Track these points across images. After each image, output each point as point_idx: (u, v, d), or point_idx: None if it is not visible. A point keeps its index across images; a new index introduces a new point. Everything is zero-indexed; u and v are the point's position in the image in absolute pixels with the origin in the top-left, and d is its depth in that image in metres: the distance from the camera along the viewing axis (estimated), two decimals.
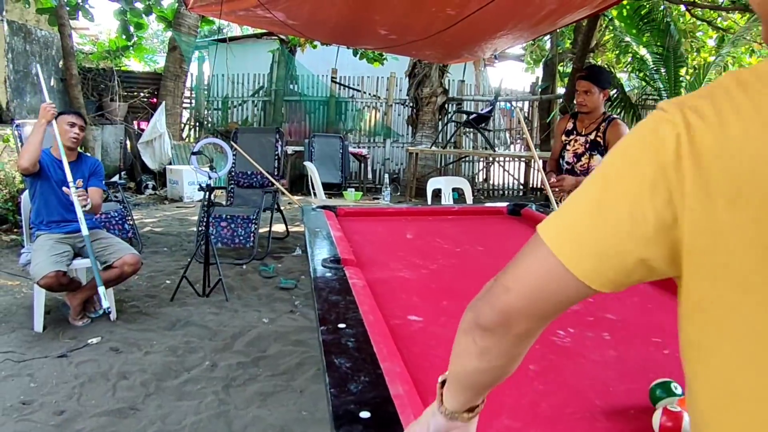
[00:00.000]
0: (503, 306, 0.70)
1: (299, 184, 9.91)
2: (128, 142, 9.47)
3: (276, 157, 6.22)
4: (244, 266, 5.30)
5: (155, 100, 10.20)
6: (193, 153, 4.39)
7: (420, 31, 5.61)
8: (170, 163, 9.27)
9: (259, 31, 10.78)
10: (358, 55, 10.07)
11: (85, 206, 3.48)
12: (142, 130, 9.65)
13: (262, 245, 5.66)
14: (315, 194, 6.11)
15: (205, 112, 10.89)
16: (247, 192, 6.17)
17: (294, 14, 5.41)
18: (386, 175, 6.21)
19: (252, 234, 5.39)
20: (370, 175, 10.76)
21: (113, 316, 3.90)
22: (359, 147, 10.77)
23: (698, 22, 9.74)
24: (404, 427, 0.95)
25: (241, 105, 10.92)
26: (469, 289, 1.92)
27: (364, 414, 0.99)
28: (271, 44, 11.16)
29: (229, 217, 5.44)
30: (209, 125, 10.75)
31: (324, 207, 3.18)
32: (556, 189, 3.41)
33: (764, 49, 10.12)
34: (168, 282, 4.81)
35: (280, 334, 3.85)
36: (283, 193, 5.39)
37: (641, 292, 1.92)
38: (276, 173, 6.12)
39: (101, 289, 3.39)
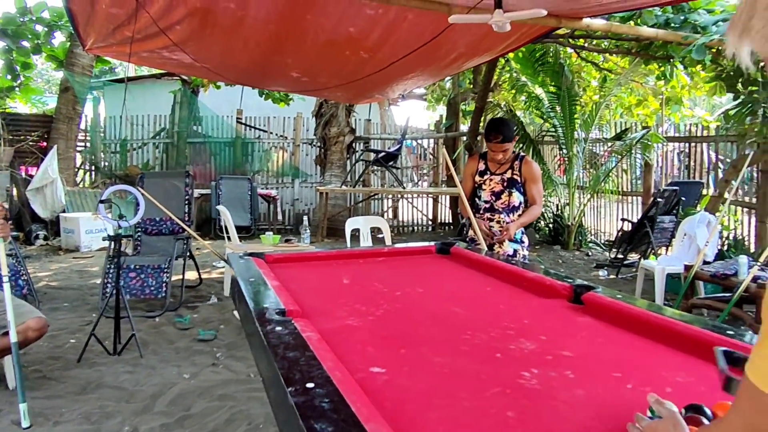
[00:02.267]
0: None
1: (206, 227, 9.58)
2: (15, 190, 8.77)
3: (186, 202, 5.97)
4: (157, 319, 5.01)
5: (45, 143, 9.55)
6: (101, 201, 4.12)
7: (332, 74, 5.65)
8: (64, 211, 8.67)
9: (159, 71, 10.44)
10: (263, 96, 9.99)
11: None
12: (31, 176, 8.99)
13: (175, 295, 5.38)
14: (229, 238, 5.90)
15: (102, 156, 10.33)
16: (155, 239, 5.87)
17: (204, 56, 5.29)
18: (305, 217, 6.11)
19: (164, 284, 5.11)
20: (280, 217, 10.60)
21: (11, 383, 3.52)
22: (268, 188, 10.61)
23: (583, 63, 10.50)
24: None
25: (141, 148, 10.48)
26: (422, 335, 1.89)
27: None
28: (171, 84, 10.85)
29: (138, 267, 5.13)
30: (106, 169, 10.19)
31: (251, 254, 3.06)
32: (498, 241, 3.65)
33: (642, 88, 11.07)
34: (73, 341, 4.44)
35: (203, 390, 3.64)
36: (195, 239, 5.16)
37: (588, 326, 1.98)
38: (186, 218, 5.87)
39: None
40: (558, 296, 2.30)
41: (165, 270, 5.16)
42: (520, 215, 3.70)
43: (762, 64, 0.78)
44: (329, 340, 1.74)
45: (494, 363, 1.65)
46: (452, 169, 3.74)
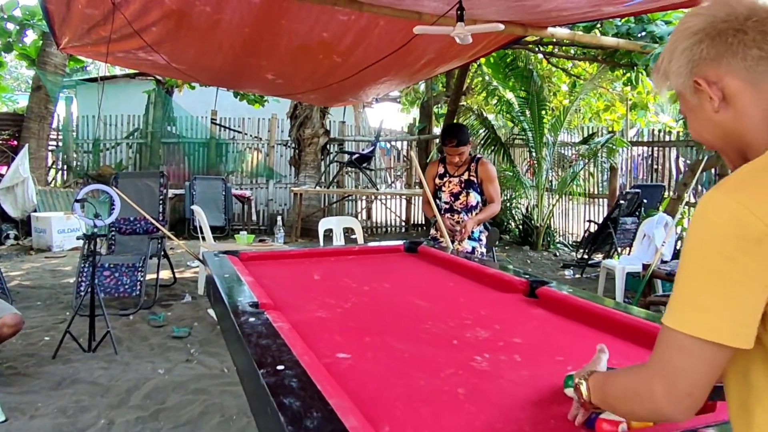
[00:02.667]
0: (691, 406, 0.87)
1: (180, 227, 9.60)
2: None
3: (160, 202, 6.03)
4: (131, 317, 5.07)
5: (16, 142, 9.48)
6: (77, 200, 4.18)
7: (306, 77, 5.77)
8: (35, 210, 8.62)
9: (133, 71, 10.43)
10: (238, 97, 10.05)
11: None
12: (1, 175, 8.92)
13: (149, 293, 5.44)
14: (203, 238, 5.98)
15: (74, 155, 10.27)
16: (129, 239, 5.92)
17: (178, 58, 5.37)
18: (279, 217, 6.22)
19: (138, 282, 5.17)
20: (254, 217, 10.66)
21: None
22: (242, 189, 10.66)
23: (554, 69, 10.78)
24: None
25: (114, 147, 10.45)
26: (386, 325, 2.03)
27: None
28: (145, 85, 10.84)
29: (112, 265, 5.19)
30: (79, 169, 10.15)
31: (226, 252, 3.18)
32: (457, 231, 3.82)
33: (609, 93, 11.39)
34: (47, 338, 4.49)
35: (178, 384, 3.74)
36: (170, 239, 5.23)
37: (539, 316, 2.15)
38: (161, 218, 5.93)
39: None
40: (515, 290, 2.47)
41: (139, 269, 5.22)
42: (477, 214, 3.91)
43: (676, 96, 1.02)
44: (299, 330, 1.87)
45: (450, 349, 1.80)
46: (419, 169, 3.90)
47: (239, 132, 11.04)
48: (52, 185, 9.95)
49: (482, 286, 2.63)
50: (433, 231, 4.03)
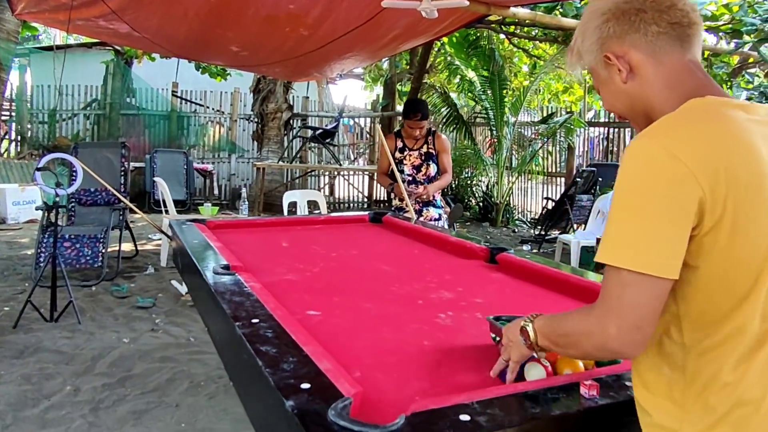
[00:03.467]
0: (640, 339, 0.94)
1: (140, 200, 9.46)
2: None
3: (122, 173, 5.96)
4: (94, 288, 5.04)
5: None
6: (38, 169, 4.11)
7: (272, 50, 5.75)
8: None
9: (91, 39, 10.13)
10: (200, 70, 9.90)
11: None
12: None
13: (111, 265, 5.40)
14: (166, 211, 5.94)
15: (29, 126, 9.98)
16: (90, 210, 5.84)
17: (142, 26, 5.27)
18: (243, 190, 6.22)
19: (100, 253, 5.14)
20: (216, 191, 10.58)
21: None
22: (204, 162, 10.55)
23: (515, 49, 10.94)
24: (342, 394, 1.13)
25: (71, 118, 10.18)
26: (354, 287, 2.12)
27: (305, 385, 1.16)
28: (103, 54, 10.57)
29: (73, 236, 5.13)
30: (34, 140, 9.87)
31: (194, 220, 3.21)
32: (417, 197, 4.00)
33: (568, 76, 11.62)
34: (6, 308, 4.45)
35: (144, 353, 3.77)
36: (132, 211, 5.19)
37: (499, 280, 2.27)
38: (123, 190, 5.87)
39: None
40: (477, 257, 2.59)
41: (101, 240, 5.18)
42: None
43: (589, 74, 1.15)
44: (270, 290, 1.94)
45: (415, 307, 1.91)
46: (385, 145, 3.99)
47: (201, 105, 10.88)
48: (5, 156, 9.67)
49: (446, 254, 2.74)
50: (397, 201, 4.15)
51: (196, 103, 10.85)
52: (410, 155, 4.10)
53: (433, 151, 4.09)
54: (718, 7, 4.64)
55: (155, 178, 7.11)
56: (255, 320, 1.55)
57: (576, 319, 1.06)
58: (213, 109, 10.94)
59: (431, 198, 4.07)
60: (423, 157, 4.08)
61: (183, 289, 4.98)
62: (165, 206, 5.99)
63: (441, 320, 1.78)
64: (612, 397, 1.16)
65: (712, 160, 0.90)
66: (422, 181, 4.09)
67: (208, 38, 5.48)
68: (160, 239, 6.50)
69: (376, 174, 4.72)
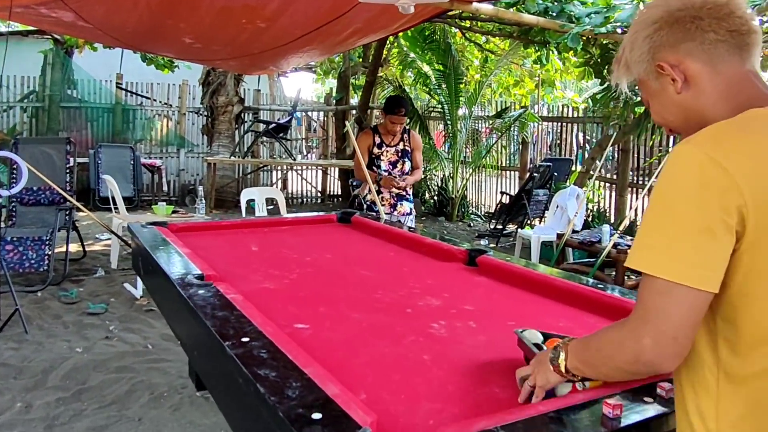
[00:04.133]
0: (677, 351, 0.91)
1: (84, 198, 9.04)
2: None
3: (67, 170, 5.65)
4: (39, 293, 4.76)
5: None
6: None
7: (227, 42, 5.54)
8: None
9: (27, 27, 9.59)
10: (146, 61, 9.50)
11: None
12: None
13: (57, 268, 5.12)
14: (115, 209, 5.67)
15: None
16: (32, 210, 5.52)
17: (87, 15, 4.98)
18: (200, 188, 6.00)
19: (46, 256, 4.85)
20: (165, 187, 10.22)
21: None
22: (152, 157, 10.17)
23: (467, 43, 10.97)
24: (358, 423, 1.05)
25: (6, 111, 9.62)
26: (337, 295, 2.03)
27: (316, 415, 1.07)
28: (41, 44, 10.02)
29: (15, 239, 4.83)
30: None
31: (154, 223, 3.04)
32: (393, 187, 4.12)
33: (519, 69, 11.77)
34: None
35: (99, 363, 3.58)
36: (80, 210, 4.91)
37: (484, 284, 2.22)
38: (69, 188, 5.57)
39: None
40: (455, 259, 2.54)
41: (47, 242, 4.89)
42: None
43: (637, 85, 1.10)
44: (252, 302, 1.83)
45: (406, 317, 1.83)
46: (354, 141, 3.93)
47: (147, 98, 10.46)
48: None
49: (422, 256, 2.68)
50: (371, 197, 4.15)
51: (143, 96, 10.43)
52: (387, 151, 4.21)
53: (409, 148, 4.23)
54: None
55: (103, 176, 6.79)
56: (245, 339, 1.45)
57: (608, 333, 1.02)
58: (160, 101, 10.54)
59: (405, 192, 4.20)
60: (399, 154, 4.21)
61: (137, 292, 4.76)
62: (113, 204, 5.71)
63: (435, 330, 1.71)
64: (633, 416, 1.13)
65: (761, 173, 0.87)
66: (397, 176, 4.20)
67: (159, 29, 5.24)
68: (109, 239, 6.20)
69: (354, 170, 4.75)
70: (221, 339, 1.45)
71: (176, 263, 2.23)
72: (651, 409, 1.15)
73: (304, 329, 1.70)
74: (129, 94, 10.30)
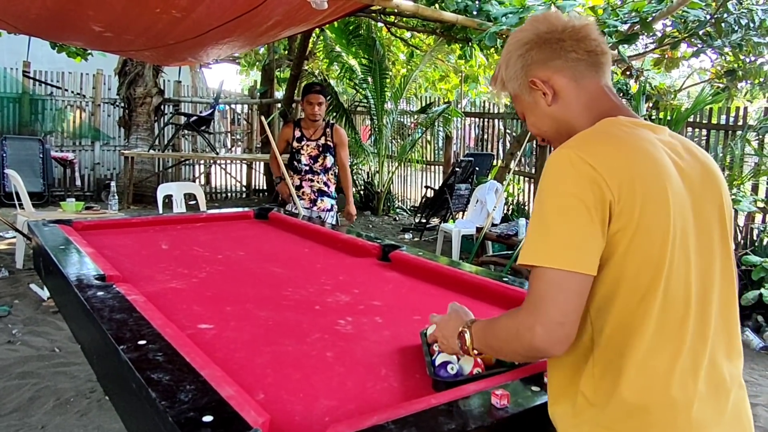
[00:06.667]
0: (564, 336, 0.97)
1: None
2: None
3: None
4: None
5: None
6: None
7: (140, 31, 5.34)
8: None
9: None
10: (56, 48, 9.00)
11: None
12: None
13: None
14: (21, 206, 5.36)
15: None
16: None
17: None
18: (112, 183, 5.75)
19: None
20: (78, 182, 9.74)
21: None
22: (63, 151, 9.66)
23: (393, 38, 11.03)
24: (249, 424, 1.04)
25: None
26: (246, 293, 2.01)
27: (207, 418, 1.06)
28: None
29: None
30: None
31: (57, 221, 2.90)
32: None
33: (444, 64, 11.94)
34: None
35: (0, 369, 3.37)
36: None
37: (394, 279, 2.25)
38: None
39: None
40: (369, 255, 2.56)
41: None
42: (334, 174, 4.24)
43: (512, 101, 1.24)
44: (155, 303, 1.79)
45: (314, 314, 1.84)
46: (269, 132, 3.85)
47: (58, 87, 9.91)
48: None
49: (337, 252, 2.69)
50: (286, 190, 4.10)
51: (53, 85, 9.87)
52: (308, 145, 4.13)
53: (331, 144, 4.15)
54: (585, 9, 4.94)
55: (6, 170, 6.39)
56: (142, 342, 1.41)
57: (505, 321, 1.09)
58: (72, 91, 10.02)
59: (326, 187, 4.16)
60: (320, 149, 4.13)
61: (44, 293, 4.53)
62: (18, 200, 5.40)
63: (342, 327, 1.73)
64: (521, 405, 1.18)
65: (620, 168, 0.98)
66: (319, 171, 4.14)
67: (65, 16, 4.97)
68: (14, 237, 5.86)
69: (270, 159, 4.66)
70: (116, 342, 1.41)
71: (76, 264, 2.14)
72: (538, 398, 1.21)
73: (207, 329, 1.67)
74: (37, 83, 9.73)
